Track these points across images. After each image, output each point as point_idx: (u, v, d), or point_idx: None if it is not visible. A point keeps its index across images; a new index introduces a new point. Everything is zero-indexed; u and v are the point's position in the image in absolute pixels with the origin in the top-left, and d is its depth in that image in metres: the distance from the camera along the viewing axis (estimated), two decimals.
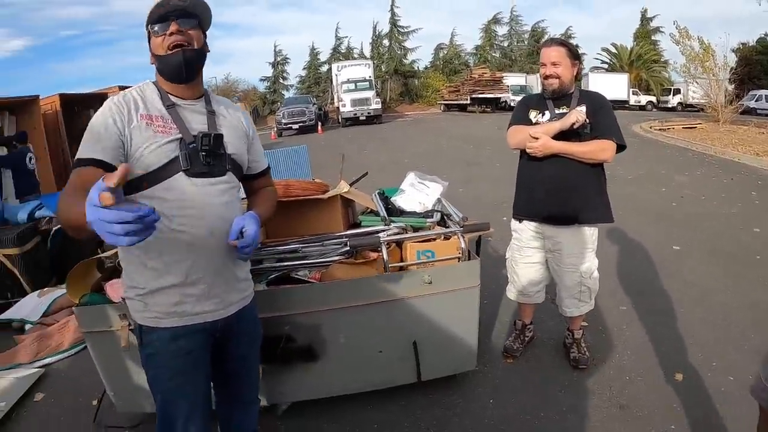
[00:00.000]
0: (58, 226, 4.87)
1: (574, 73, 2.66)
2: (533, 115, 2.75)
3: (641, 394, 2.68)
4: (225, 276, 1.59)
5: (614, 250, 4.91)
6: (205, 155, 1.48)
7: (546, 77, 2.66)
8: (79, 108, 9.24)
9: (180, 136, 1.48)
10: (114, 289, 2.30)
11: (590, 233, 2.73)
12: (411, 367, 2.48)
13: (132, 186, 1.43)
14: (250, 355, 1.81)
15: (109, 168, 1.35)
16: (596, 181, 2.69)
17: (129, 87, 1.58)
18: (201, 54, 1.54)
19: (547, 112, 2.70)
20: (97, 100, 9.59)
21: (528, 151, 2.63)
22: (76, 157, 1.40)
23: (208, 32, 1.60)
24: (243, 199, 1.77)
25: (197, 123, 1.54)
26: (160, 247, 1.46)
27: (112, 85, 10.33)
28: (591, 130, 2.56)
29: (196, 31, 1.51)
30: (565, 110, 2.62)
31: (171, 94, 1.54)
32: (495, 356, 3.10)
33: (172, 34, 1.46)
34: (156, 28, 1.48)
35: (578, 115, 2.50)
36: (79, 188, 1.28)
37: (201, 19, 1.52)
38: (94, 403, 2.74)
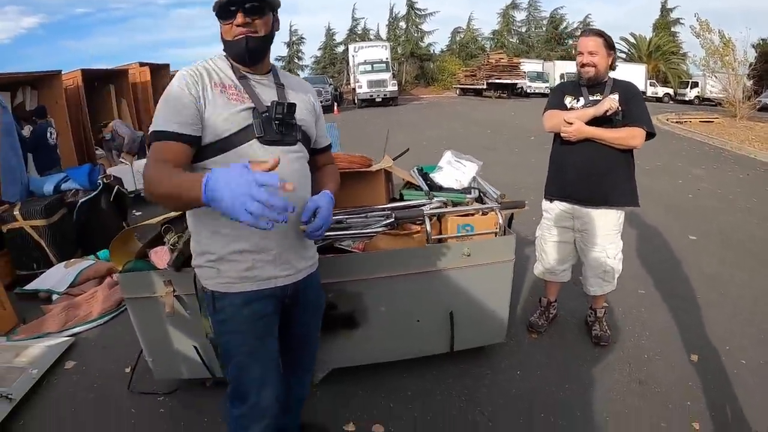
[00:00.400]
0: (84, 198, 4.97)
1: (609, 63, 2.72)
2: (568, 100, 2.82)
3: (659, 372, 2.80)
4: (294, 241, 1.62)
5: (633, 236, 4.98)
6: (278, 123, 1.51)
7: (583, 65, 2.71)
8: (99, 84, 9.28)
9: (253, 105, 1.51)
10: (159, 256, 2.37)
11: (617, 216, 2.82)
12: (445, 337, 2.58)
13: (206, 151, 1.47)
14: (312, 323, 1.87)
15: (188, 139, 1.42)
16: (626, 167, 2.77)
17: (148, 63, 1.56)
18: (267, 39, 1.55)
19: (581, 98, 2.77)
20: (117, 76, 9.64)
21: (562, 135, 2.70)
22: (154, 129, 1.43)
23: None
24: None
25: (267, 95, 1.56)
26: None
27: (132, 61, 10.38)
28: (623, 118, 2.63)
29: (263, 18, 1.50)
30: (599, 97, 2.70)
31: (241, 69, 1.57)
32: (520, 331, 3.21)
33: (238, 25, 1.47)
34: (222, 16, 1.49)
35: (611, 102, 2.57)
36: (170, 161, 1.36)
37: (268, 2, 1.51)
38: (127, 370, 2.83)
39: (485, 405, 2.53)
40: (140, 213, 6.30)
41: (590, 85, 2.76)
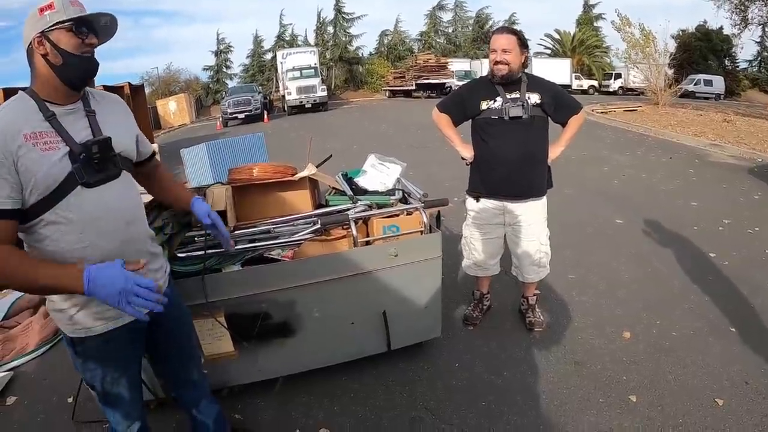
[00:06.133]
0: None
1: (522, 61, 2.75)
2: (485, 104, 2.82)
3: (594, 351, 2.93)
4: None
5: (563, 223, 5.13)
6: (97, 163, 1.45)
7: (496, 63, 2.72)
8: None
9: (68, 148, 1.42)
10: None
11: (544, 203, 2.95)
12: (381, 336, 2.62)
13: (32, 212, 1.39)
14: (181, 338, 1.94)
15: (11, 214, 1.34)
16: (545, 158, 2.90)
17: None
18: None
19: (499, 98, 2.78)
20: None
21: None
22: None
23: None
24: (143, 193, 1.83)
25: (79, 128, 1.47)
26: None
27: None
28: (555, 111, 2.82)
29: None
30: (516, 95, 2.74)
31: (49, 102, 1.44)
32: (456, 325, 3.28)
33: (90, 44, 1.44)
34: (77, 28, 1.41)
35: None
36: (5, 242, 1.33)
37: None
38: (70, 400, 2.72)
39: (428, 399, 2.58)
40: None
41: (505, 83, 2.76)
